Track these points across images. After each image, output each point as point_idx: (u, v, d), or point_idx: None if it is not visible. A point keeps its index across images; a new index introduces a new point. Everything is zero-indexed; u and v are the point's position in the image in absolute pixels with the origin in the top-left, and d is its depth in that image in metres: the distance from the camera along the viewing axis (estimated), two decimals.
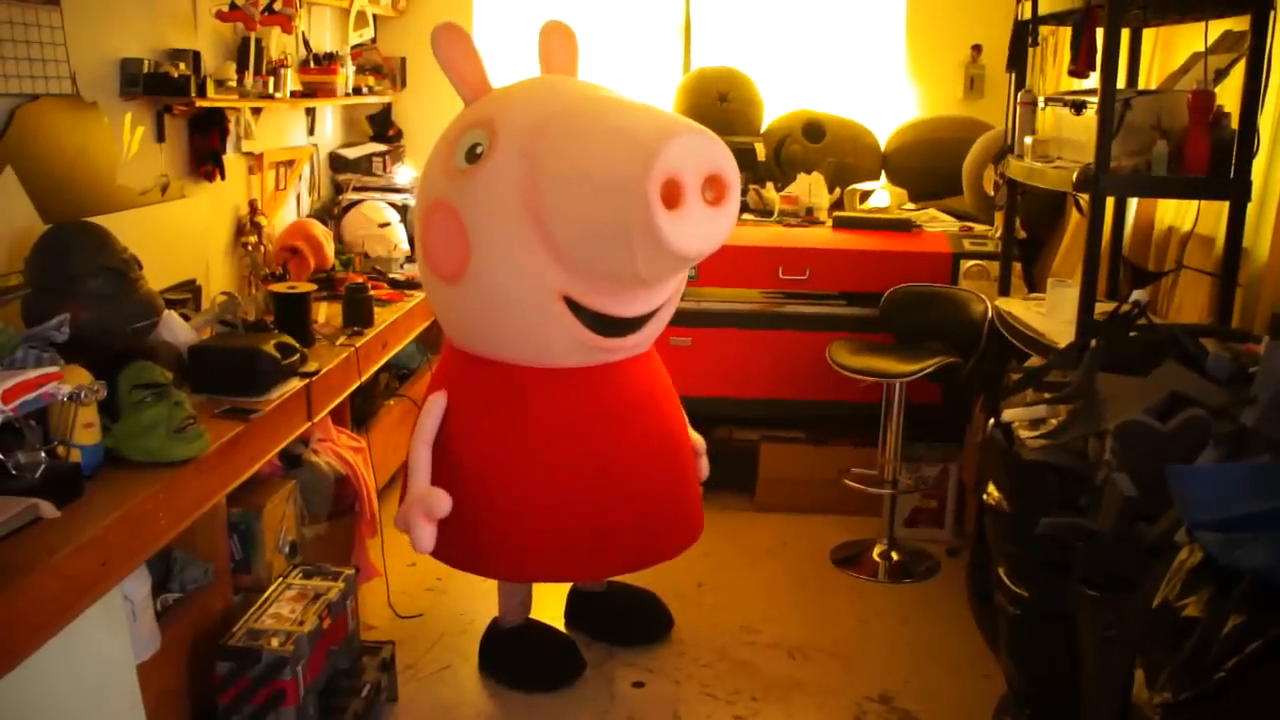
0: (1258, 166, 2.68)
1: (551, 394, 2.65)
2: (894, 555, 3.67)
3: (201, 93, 3.20)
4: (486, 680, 2.94)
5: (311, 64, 4.21)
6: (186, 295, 3.23)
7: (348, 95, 4.38)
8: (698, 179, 2.22)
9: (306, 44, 4.28)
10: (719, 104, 4.70)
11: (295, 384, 2.72)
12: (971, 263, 3.93)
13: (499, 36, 4.99)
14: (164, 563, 2.38)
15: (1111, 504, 1.80)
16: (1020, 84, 3.48)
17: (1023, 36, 3.48)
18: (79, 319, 2.31)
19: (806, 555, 3.73)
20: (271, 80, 3.66)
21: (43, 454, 1.95)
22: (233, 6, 3.43)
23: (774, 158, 4.69)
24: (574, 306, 2.49)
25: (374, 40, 4.95)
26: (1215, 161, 2.65)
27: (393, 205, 4.46)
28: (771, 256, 4.00)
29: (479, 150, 2.49)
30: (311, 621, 2.41)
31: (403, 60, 5.02)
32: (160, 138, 3.26)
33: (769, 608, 3.35)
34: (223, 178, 3.56)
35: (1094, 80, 2.78)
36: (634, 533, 2.72)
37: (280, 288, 3.23)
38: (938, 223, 4.30)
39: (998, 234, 3.89)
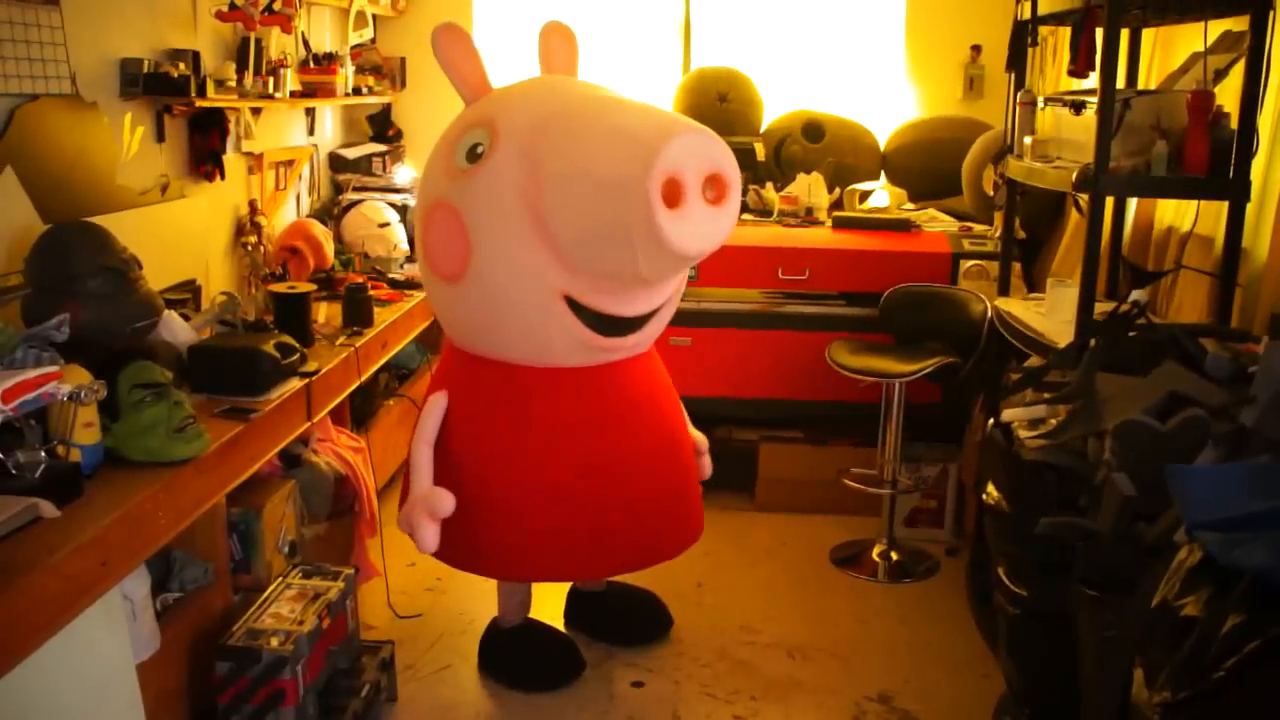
0: (1257, 166, 2.68)
1: (552, 394, 2.65)
2: (893, 555, 3.67)
3: (201, 93, 3.20)
4: (486, 680, 2.94)
5: (311, 64, 4.21)
6: (186, 295, 3.23)
7: (347, 95, 4.39)
8: (698, 178, 2.22)
9: (306, 44, 4.28)
10: (718, 104, 4.70)
11: (295, 384, 2.72)
12: (971, 263, 3.93)
13: (498, 36, 4.99)
14: (164, 562, 2.38)
15: (1111, 504, 1.80)
16: (1020, 84, 3.48)
17: (1022, 37, 3.48)
18: (79, 319, 2.31)
19: (806, 555, 3.73)
20: (271, 80, 3.66)
21: (42, 453, 1.95)
22: (232, 6, 3.43)
23: (773, 158, 4.69)
24: (575, 306, 2.49)
25: (373, 40, 4.96)
26: (1214, 161, 2.65)
27: (392, 205, 4.46)
28: (771, 256, 4.00)
29: (480, 150, 2.49)
30: (311, 621, 2.41)
31: (402, 60, 5.02)
32: (160, 138, 3.27)
33: (768, 608, 3.36)
34: (222, 178, 3.56)
35: (1093, 80, 2.78)
36: (634, 532, 2.72)
37: (280, 288, 3.23)
38: (937, 223, 4.30)
39: (997, 234, 3.89)
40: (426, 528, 2.56)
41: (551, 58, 2.83)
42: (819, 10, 4.95)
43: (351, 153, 4.76)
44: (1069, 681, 1.91)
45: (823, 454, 4.04)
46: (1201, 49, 2.84)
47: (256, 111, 3.86)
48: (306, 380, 2.77)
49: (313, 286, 3.32)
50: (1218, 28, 2.90)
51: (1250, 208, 2.70)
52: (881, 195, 4.51)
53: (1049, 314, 3.20)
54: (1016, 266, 3.85)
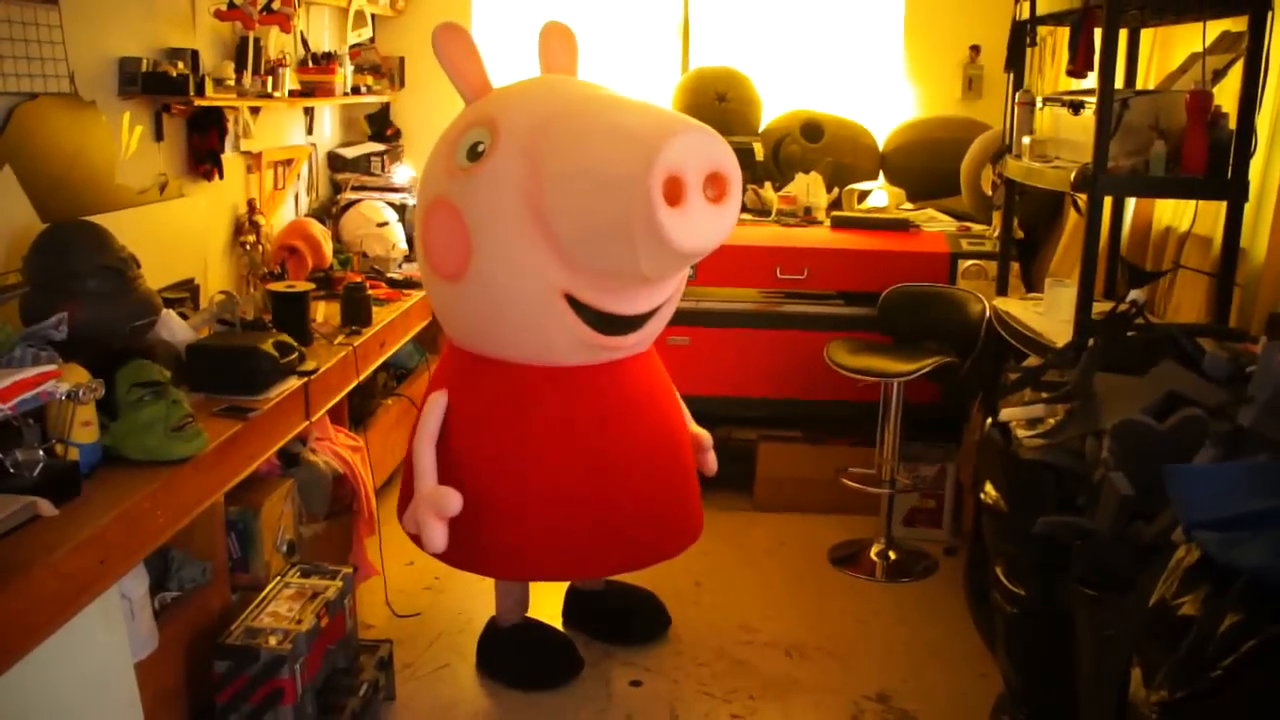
0: (1255, 166, 2.69)
1: (552, 392, 2.65)
2: (891, 554, 3.68)
3: (200, 92, 3.20)
4: (484, 679, 2.94)
5: (310, 63, 4.21)
6: (185, 294, 3.23)
7: (346, 95, 4.38)
8: (699, 176, 2.22)
9: (305, 43, 4.28)
10: (717, 104, 4.70)
11: (293, 383, 2.72)
12: (969, 262, 3.93)
13: (497, 36, 4.99)
14: (162, 561, 2.38)
15: (1109, 503, 1.80)
16: (1018, 84, 3.48)
17: (1021, 37, 3.48)
18: (77, 318, 2.31)
19: (804, 554, 3.73)
20: (270, 79, 3.66)
21: (41, 452, 1.95)
22: (231, 5, 3.43)
23: (772, 157, 4.69)
24: (575, 304, 2.49)
25: (372, 40, 4.96)
26: (1213, 161, 2.65)
27: (391, 204, 4.46)
28: (770, 256, 4.00)
29: (480, 148, 2.49)
30: (309, 620, 2.41)
31: (401, 60, 5.02)
32: (159, 137, 3.26)
33: (767, 607, 3.36)
34: (221, 177, 3.56)
35: (1092, 80, 2.78)
36: (634, 532, 2.72)
37: (278, 287, 3.23)
38: (936, 223, 4.30)
39: (995, 234, 3.90)
40: (434, 527, 2.55)
41: (551, 58, 2.84)
42: (818, 10, 4.95)
43: (350, 152, 4.76)
44: (1067, 680, 1.91)
45: (821, 453, 4.04)
46: (1200, 49, 2.84)
47: (255, 111, 3.86)
48: (305, 379, 2.77)
49: (311, 286, 3.32)
50: (1216, 28, 2.91)
51: (1248, 208, 2.71)
52: (880, 195, 4.51)
53: (1047, 313, 3.20)
54: (1015, 266, 3.85)
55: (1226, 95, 2.76)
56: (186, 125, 3.43)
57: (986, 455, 2.40)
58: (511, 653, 2.96)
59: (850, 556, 3.70)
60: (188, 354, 2.61)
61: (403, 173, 4.75)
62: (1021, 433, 2.24)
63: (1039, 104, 3.33)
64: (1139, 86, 3.36)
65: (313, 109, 4.52)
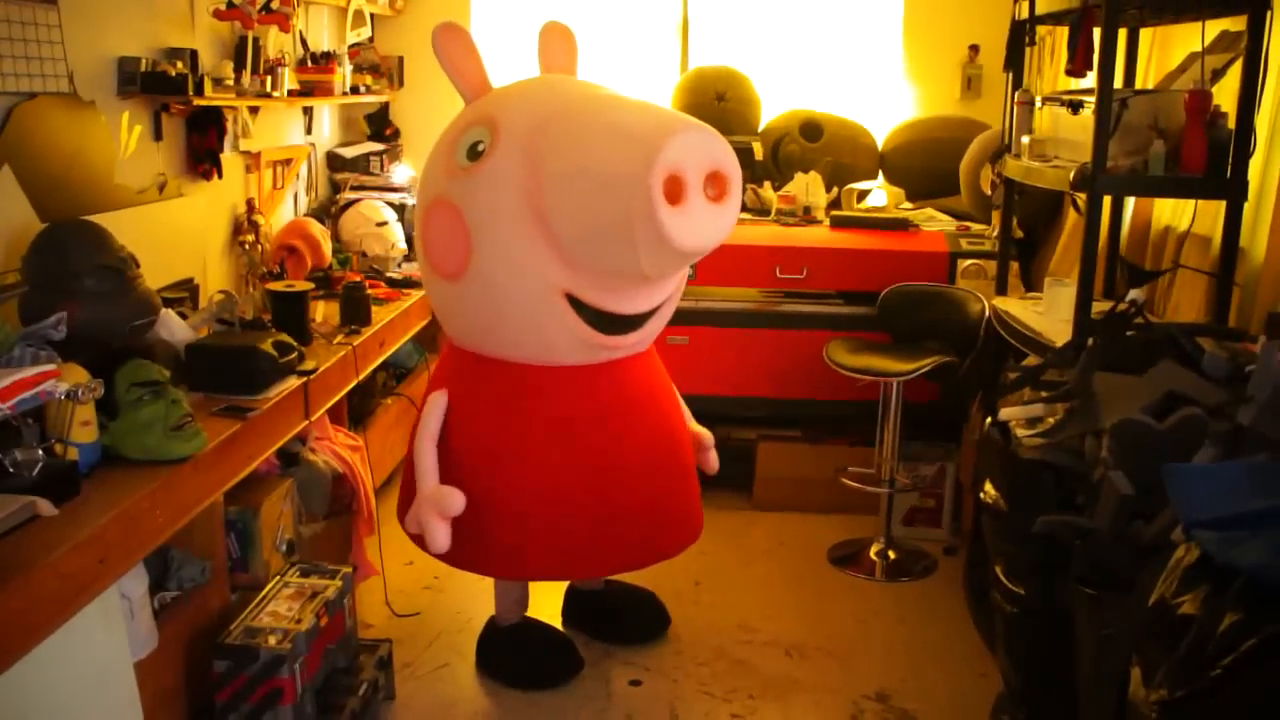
0: (1254, 166, 2.68)
1: (552, 392, 2.65)
2: (891, 554, 3.68)
3: (199, 91, 3.20)
4: (484, 678, 2.94)
5: (309, 63, 4.21)
6: (184, 294, 3.22)
7: (345, 94, 4.38)
8: (699, 175, 2.22)
9: (304, 43, 4.28)
10: (716, 103, 4.70)
11: (293, 382, 2.72)
12: (969, 262, 3.93)
13: (496, 36, 4.99)
14: (161, 561, 2.38)
15: (1108, 502, 1.80)
16: (1017, 83, 3.48)
17: (1020, 36, 3.48)
18: (76, 317, 2.31)
19: (804, 554, 3.73)
20: (269, 79, 3.65)
21: (40, 452, 1.95)
22: (230, 5, 3.43)
23: (771, 157, 4.70)
24: (576, 304, 2.49)
25: (371, 39, 4.95)
26: (1212, 161, 2.65)
27: (390, 204, 4.46)
28: (769, 255, 4.00)
29: (480, 148, 2.49)
30: (309, 620, 2.41)
31: (400, 59, 5.01)
32: (158, 136, 3.26)
33: (766, 606, 3.36)
34: (220, 176, 3.56)
35: (1091, 80, 2.78)
36: (634, 531, 2.72)
37: (278, 286, 3.23)
38: (935, 222, 4.30)
39: (995, 233, 3.90)
40: (437, 527, 2.55)
41: (551, 58, 2.84)
42: (817, 9, 4.95)
43: (349, 151, 4.76)
44: (1066, 680, 1.91)
45: (820, 453, 4.04)
46: (1199, 49, 2.85)
47: (254, 110, 3.85)
48: (304, 379, 2.77)
49: (310, 285, 3.32)
50: (1215, 27, 2.91)
51: (1247, 207, 2.71)
52: (879, 194, 4.51)
53: (1047, 313, 3.20)
54: (1014, 266, 3.85)
55: (1226, 95, 2.76)
56: (185, 125, 3.43)
57: (986, 455, 2.40)
58: (511, 652, 2.96)
59: (850, 556, 3.70)
60: (187, 353, 2.61)
61: (402, 172, 4.75)
62: (1021, 432, 2.24)
63: (1038, 103, 3.33)
64: (1138, 86, 3.36)
65: (312, 109, 4.52)
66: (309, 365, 2.82)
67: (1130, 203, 3.49)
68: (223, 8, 3.42)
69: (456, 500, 2.55)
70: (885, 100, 4.94)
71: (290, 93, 3.86)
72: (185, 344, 2.63)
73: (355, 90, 4.49)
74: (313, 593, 2.52)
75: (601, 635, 3.13)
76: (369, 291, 3.54)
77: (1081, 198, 3.05)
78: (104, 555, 1.91)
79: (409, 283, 4.00)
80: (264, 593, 2.52)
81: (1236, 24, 2.79)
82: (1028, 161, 3.19)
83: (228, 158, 3.64)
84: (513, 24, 5.00)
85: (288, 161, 4.27)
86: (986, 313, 3.58)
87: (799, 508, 4.05)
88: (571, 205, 2.33)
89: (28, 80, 2.64)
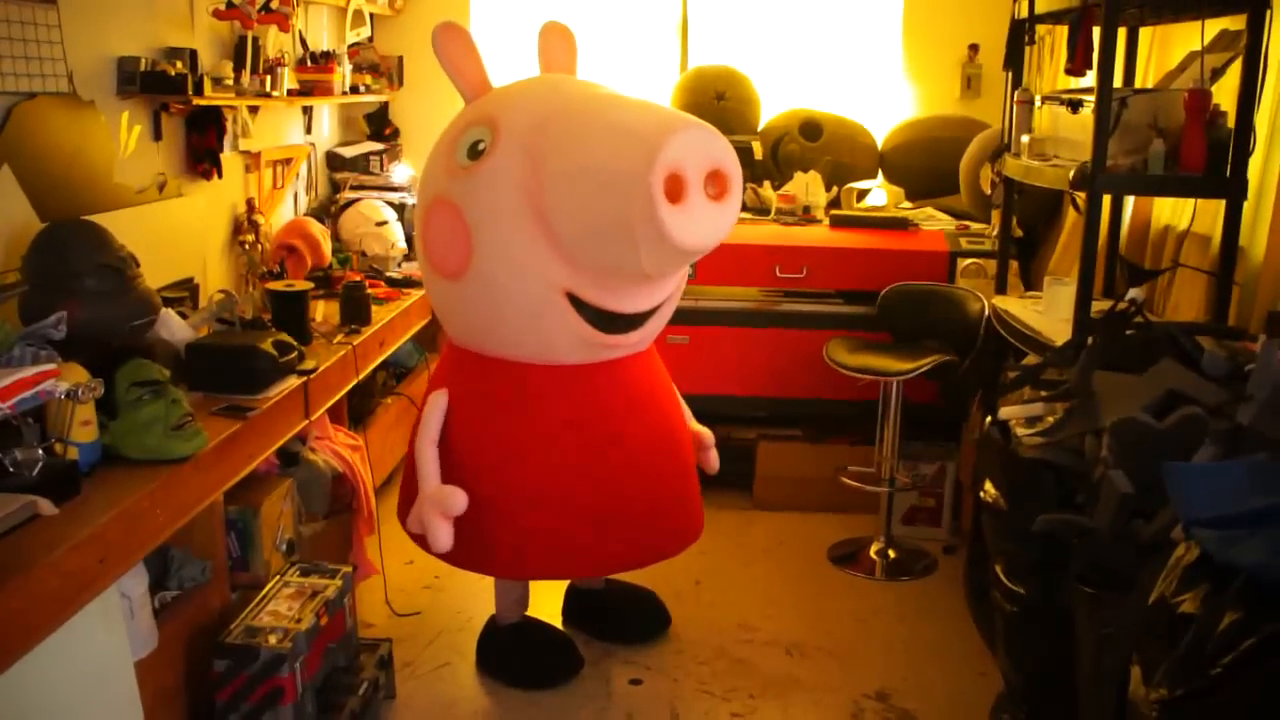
0: (1254, 165, 2.69)
1: (553, 391, 2.66)
2: (891, 553, 3.68)
3: (198, 91, 3.20)
4: (484, 678, 2.94)
5: (308, 62, 4.21)
6: (184, 293, 3.22)
7: (345, 94, 4.38)
8: (700, 174, 2.23)
9: (303, 42, 4.27)
10: (716, 103, 4.70)
11: (293, 382, 2.72)
12: (968, 261, 3.94)
13: (495, 35, 4.99)
14: (161, 560, 2.38)
15: (1108, 501, 1.80)
16: (1017, 83, 3.48)
17: (1019, 35, 3.48)
18: (76, 317, 2.31)
19: (804, 553, 3.73)
20: (268, 79, 3.65)
21: (40, 451, 1.95)
22: (230, 5, 3.43)
23: (771, 156, 4.70)
24: (576, 302, 2.50)
25: (371, 39, 4.95)
26: (1211, 160, 2.65)
27: (390, 204, 4.46)
28: (769, 255, 4.00)
29: (481, 147, 2.49)
30: (309, 619, 2.41)
31: (400, 59, 5.01)
32: (157, 136, 3.26)
33: (766, 605, 3.36)
34: (220, 176, 3.56)
35: (1091, 79, 2.78)
36: (634, 531, 2.72)
37: (278, 286, 3.23)
38: (934, 221, 4.30)
39: (994, 232, 3.90)
40: (440, 527, 2.55)
41: (550, 57, 2.84)
42: (816, 9, 4.95)
43: (349, 151, 4.76)
44: (1066, 679, 1.91)
45: (820, 452, 4.04)
46: (1199, 48, 2.85)
47: (254, 110, 3.85)
48: (304, 378, 2.77)
49: (310, 285, 3.32)
50: (1215, 26, 2.91)
51: (1247, 206, 2.71)
52: (879, 194, 4.51)
53: (1046, 312, 3.20)
54: (1014, 265, 3.85)
55: (1225, 94, 2.76)
56: (185, 124, 3.43)
57: (986, 454, 2.40)
58: (511, 651, 2.96)
59: (850, 555, 3.71)
60: (187, 353, 2.61)
61: (401, 172, 4.75)
62: (1021, 431, 2.24)
63: (1038, 102, 3.33)
64: (1138, 85, 3.36)
65: (311, 108, 4.52)
66: (309, 365, 2.82)
67: (1130, 202, 3.49)
68: (222, 7, 3.42)
69: (459, 500, 2.55)
70: (885, 99, 4.94)
71: (290, 92, 3.86)
72: (185, 343, 2.63)
73: (355, 90, 4.49)
74: (313, 592, 2.52)
75: (602, 634, 3.13)
76: (369, 291, 3.54)
77: (1081, 197, 3.05)
78: (104, 554, 1.91)
79: (409, 282, 4.00)
80: (264, 592, 2.52)
81: (1236, 23, 2.79)
82: (1027, 160, 3.19)
83: (227, 157, 3.64)
84: (512, 24, 5.00)
85: (287, 161, 4.27)
86: (986, 312, 3.58)
87: (799, 507, 4.05)
88: (572, 204, 2.33)
89: (27, 80, 2.64)
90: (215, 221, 3.68)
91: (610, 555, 2.73)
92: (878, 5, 4.93)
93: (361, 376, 3.26)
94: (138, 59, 3.05)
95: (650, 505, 2.74)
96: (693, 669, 3.00)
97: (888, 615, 3.32)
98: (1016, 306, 3.37)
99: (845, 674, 2.98)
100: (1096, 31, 2.71)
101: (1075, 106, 2.96)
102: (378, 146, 4.85)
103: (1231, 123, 2.65)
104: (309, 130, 4.55)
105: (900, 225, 4.15)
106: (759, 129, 4.79)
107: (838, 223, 4.21)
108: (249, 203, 3.88)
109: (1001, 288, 3.67)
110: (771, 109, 4.85)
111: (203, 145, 3.46)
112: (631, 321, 2.60)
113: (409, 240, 4.34)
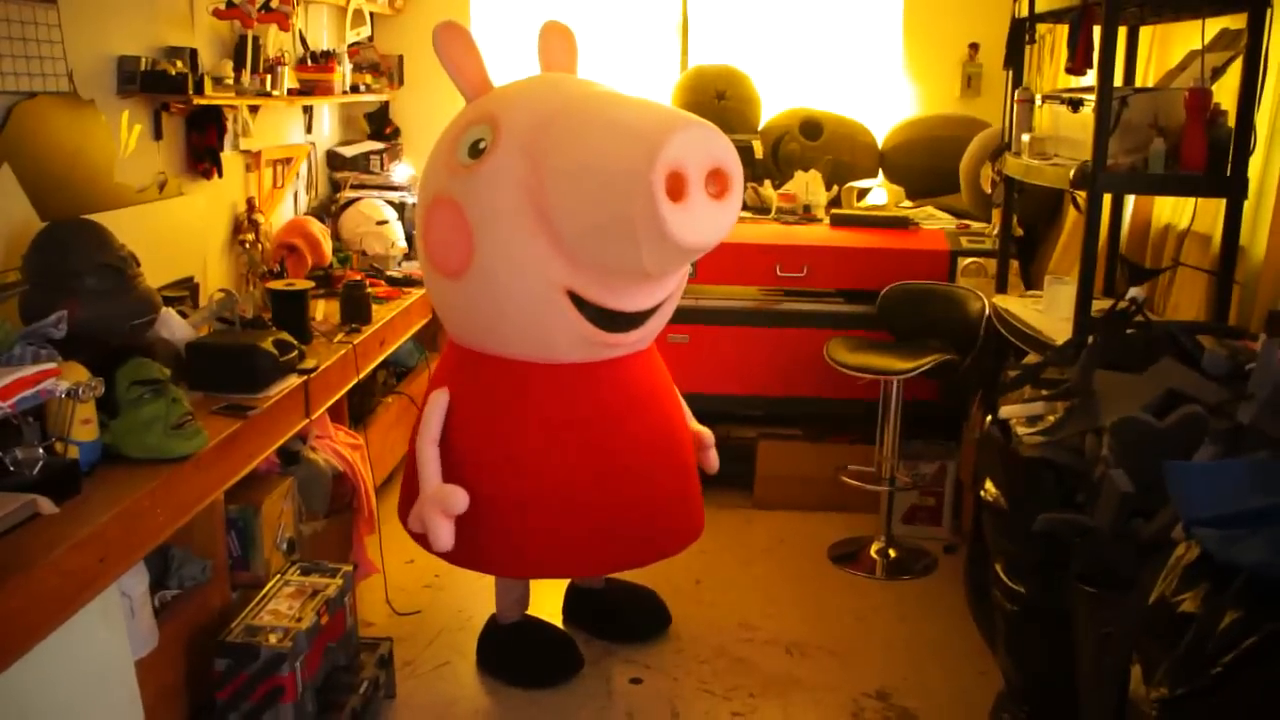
0: (1254, 164, 2.68)
1: (554, 389, 2.66)
2: (891, 552, 3.68)
3: (199, 90, 3.20)
4: (485, 677, 2.94)
5: (309, 62, 4.21)
6: (184, 292, 3.23)
7: (345, 93, 4.38)
8: (701, 172, 2.23)
9: (304, 42, 4.27)
10: (716, 102, 4.70)
11: (293, 381, 2.72)
12: (969, 260, 3.93)
13: (495, 35, 4.99)
14: (162, 559, 2.38)
15: (1109, 500, 1.80)
16: (1017, 82, 3.48)
17: (1020, 34, 3.48)
18: (77, 316, 2.31)
19: (804, 552, 3.73)
20: (269, 78, 3.65)
21: (40, 450, 1.95)
22: (230, 4, 3.43)
23: (771, 155, 4.69)
24: (578, 301, 2.50)
25: (371, 38, 4.95)
26: (1212, 159, 2.65)
27: (390, 203, 4.46)
28: (769, 254, 4.00)
29: (482, 146, 2.49)
30: (309, 618, 2.41)
31: (400, 58, 5.01)
32: (158, 135, 3.26)
33: (767, 605, 3.36)
34: (220, 175, 3.56)
35: (1091, 78, 2.78)
36: (635, 529, 2.72)
37: (278, 285, 3.23)
38: (935, 220, 4.30)
39: (995, 231, 3.90)
40: (441, 526, 2.55)
41: (551, 57, 2.84)
42: (817, 8, 4.95)
43: (349, 150, 4.76)
44: (1067, 678, 1.91)
45: (821, 451, 4.04)
46: (1199, 47, 2.85)
47: (254, 109, 3.85)
48: (305, 377, 2.77)
49: (310, 284, 3.32)
50: (1215, 25, 2.91)
51: (1247, 205, 2.70)
52: (879, 193, 4.51)
53: (1047, 311, 3.20)
54: (1014, 264, 3.85)
55: (1225, 93, 2.76)
56: (185, 124, 3.43)
57: (986, 453, 2.40)
58: (512, 650, 2.96)
59: (850, 554, 3.71)
60: (187, 352, 2.61)
61: (402, 171, 4.75)
62: (1021, 430, 2.24)
63: (1038, 101, 3.33)
64: (1138, 84, 3.36)
65: (311, 107, 4.52)
66: (309, 364, 2.82)
67: (1130, 201, 3.49)
68: (222, 7, 3.42)
69: (460, 499, 2.55)
70: (885, 98, 4.94)
71: (290, 91, 3.86)
72: (186, 342, 2.64)
73: (355, 89, 4.49)
74: (313, 591, 2.52)
75: (602, 633, 3.13)
76: (369, 290, 3.54)
77: (1081, 196, 3.05)
78: (105, 554, 1.91)
79: (409, 281, 4.00)
80: (264, 591, 2.52)
81: (1236, 22, 2.79)
82: (1028, 160, 3.19)
83: (228, 156, 3.64)
84: (513, 23, 5.00)
85: (288, 160, 4.27)
86: (987, 311, 3.58)
87: (799, 506, 4.05)
88: (573, 202, 2.33)
89: (28, 79, 2.64)
90: (215, 221, 3.68)
91: (610, 554, 2.73)
92: (878, 4, 4.93)
93: (362, 376, 3.26)
94: (138, 58, 3.05)
95: (650, 504, 2.74)
96: (693, 668, 3.00)
97: (888, 614, 3.32)
98: (1017, 305, 3.37)
99: (845, 673, 2.98)
100: (1097, 30, 2.71)
101: (1076, 105, 2.96)
102: (378, 146, 4.85)
103: (1232, 122, 2.65)
104: (309, 129, 4.55)
105: (901, 224, 4.15)
106: (759, 128, 4.79)
107: (838, 222, 4.21)
108: (249, 202, 3.88)
109: (1002, 287, 3.67)
110: (772, 108, 4.85)
111: (203, 144, 3.46)
112: (632, 320, 2.60)
113: (409, 239, 4.34)
